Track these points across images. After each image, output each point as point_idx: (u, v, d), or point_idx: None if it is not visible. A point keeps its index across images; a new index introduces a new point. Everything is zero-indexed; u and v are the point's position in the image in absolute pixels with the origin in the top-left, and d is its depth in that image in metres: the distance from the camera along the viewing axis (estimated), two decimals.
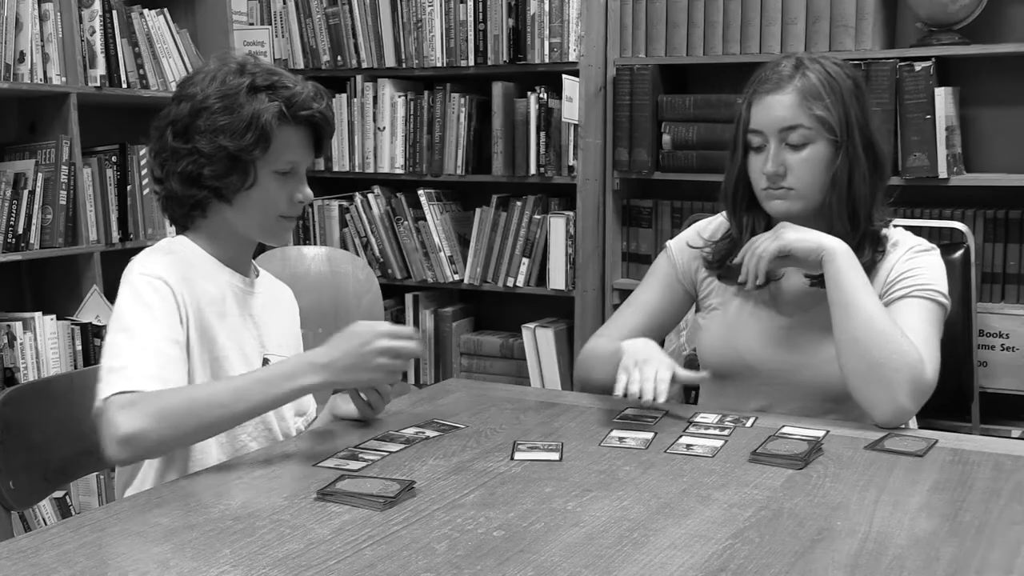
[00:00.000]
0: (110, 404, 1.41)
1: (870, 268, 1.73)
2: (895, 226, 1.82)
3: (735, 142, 1.79)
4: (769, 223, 1.79)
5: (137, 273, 1.56)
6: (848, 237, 1.72)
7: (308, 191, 1.67)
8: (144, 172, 3.09)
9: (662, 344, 2.24)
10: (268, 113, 1.57)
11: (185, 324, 1.56)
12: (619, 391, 1.63)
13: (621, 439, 1.56)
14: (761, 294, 1.81)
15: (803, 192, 1.72)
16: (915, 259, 1.75)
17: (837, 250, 1.67)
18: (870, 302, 1.64)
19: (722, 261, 1.84)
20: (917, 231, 1.86)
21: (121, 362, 1.46)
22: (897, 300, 1.71)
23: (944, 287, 1.73)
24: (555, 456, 1.49)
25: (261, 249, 3.41)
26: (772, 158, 1.71)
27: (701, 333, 1.89)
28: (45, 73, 2.81)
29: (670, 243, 1.95)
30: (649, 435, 1.58)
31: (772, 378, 1.78)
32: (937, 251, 1.79)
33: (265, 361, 1.70)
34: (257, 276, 1.76)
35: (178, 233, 1.70)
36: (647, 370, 1.64)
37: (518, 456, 1.49)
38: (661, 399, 1.60)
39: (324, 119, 1.65)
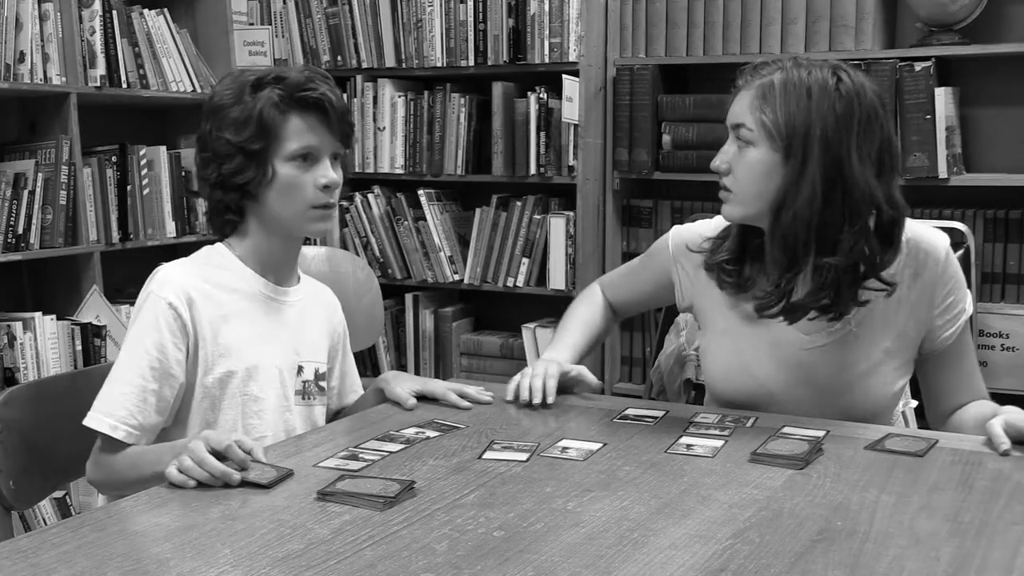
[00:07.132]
0: (94, 447, 1.61)
1: (839, 317, 1.61)
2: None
3: None
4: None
5: (150, 292, 1.62)
6: (777, 266, 1.60)
7: (331, 174, 1.67)
8: (144, 172, 3.10)
9: (661, 344, 2.25)
10: (263, 102, 1.63)
11: (190, 343, 1.62)
12: (509, 396, 1.75)
13: (689, 446, 1.52)
14: (773, 321, 1.67)
15: (740, 197, 1.60)
16: (949, 268, 1.67)
17: None
18: None
19: (721, 260, 1.72)
20: None
21: (107, 399, 1.58)
22: (956, 337, 1.68)
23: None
24: (523, 457, 1.48)
25: None
26: (721, 152, 1.63)
27: (709, 358, 1.78)
28: (45, 73, 2.81)
29: (673, 238, 1.83)
30: (719, 443, 1.53)
31: (796, 406, 1.69)
32: (947, 238, 1.70)
33: (300, 369, 1.74)
34: (299, 282, 1.80)
35: (221, 240, 1.74)
36: (537, 368, 1.76)
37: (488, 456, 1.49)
38: (550, 399, 1.71)
39: (324, 99, 1.66)
